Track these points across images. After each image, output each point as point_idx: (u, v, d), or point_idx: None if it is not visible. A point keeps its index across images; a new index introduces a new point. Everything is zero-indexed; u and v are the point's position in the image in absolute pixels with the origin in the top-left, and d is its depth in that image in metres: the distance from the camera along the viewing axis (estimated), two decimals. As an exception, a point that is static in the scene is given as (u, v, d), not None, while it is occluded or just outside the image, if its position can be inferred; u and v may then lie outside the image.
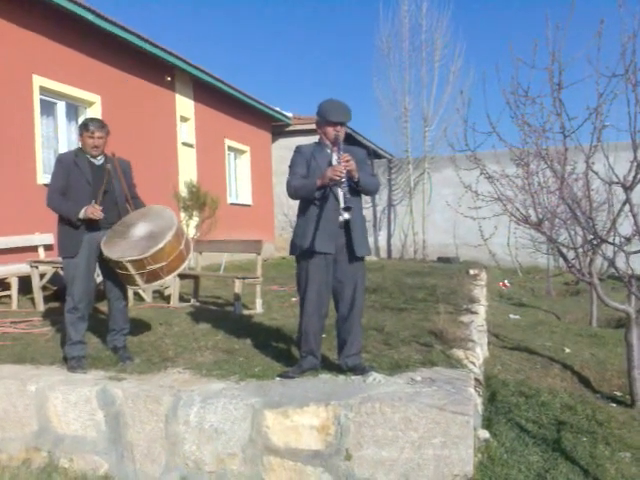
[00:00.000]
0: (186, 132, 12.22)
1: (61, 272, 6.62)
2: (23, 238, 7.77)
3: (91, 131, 4.20)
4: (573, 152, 4.70)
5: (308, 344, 3.81)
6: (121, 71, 10.03)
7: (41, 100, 8.43)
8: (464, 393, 3.35)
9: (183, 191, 11.16)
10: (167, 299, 7.14)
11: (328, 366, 3.94)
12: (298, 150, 3.89)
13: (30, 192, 7.85)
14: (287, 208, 15.21)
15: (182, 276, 6.87)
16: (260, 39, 69.39)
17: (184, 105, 12.10)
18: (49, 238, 7.96)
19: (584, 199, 4.97)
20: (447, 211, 12.54)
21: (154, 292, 7.42)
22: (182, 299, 7.08)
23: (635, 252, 4.17)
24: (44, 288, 6.87)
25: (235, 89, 13.33)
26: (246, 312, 6.29)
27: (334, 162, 3.63)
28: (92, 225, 4.15)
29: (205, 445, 3.33)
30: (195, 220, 10.94)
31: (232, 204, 13.93)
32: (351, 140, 14.51)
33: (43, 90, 8.44)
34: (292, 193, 3.80)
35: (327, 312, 3.89)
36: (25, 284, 6.85)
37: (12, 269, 6.85)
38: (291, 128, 16.11)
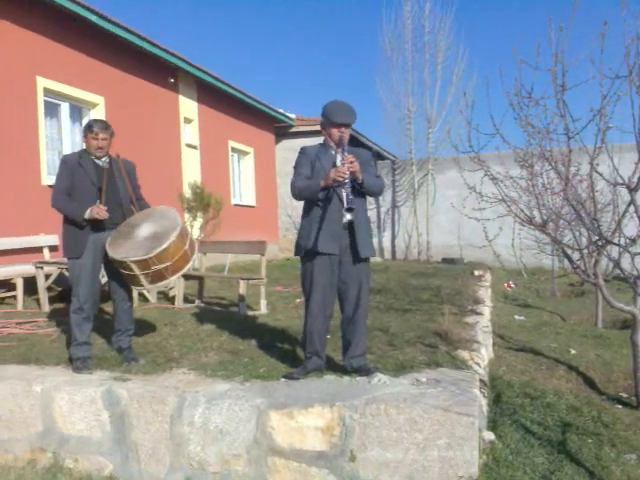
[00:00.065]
0: (190, 133, 12.24)
1: (66, 273, 6.64)
2: (28, 239, 7.79)
3: (95, 132, 4.21)
4: (577, 153, 4.69)
5: (313, 345, 3.81)
6: (124, 72, 10.05)
7: (45, 101, 8.45)
8: (469, 394, 3.34)
9: (187, 192, 11.18)
10: (172, 300, 7.16)
11: (333, 367, 3.94)
12: (303, 151, 3.90)
13: (35, 193, 7.88)
14: (291, 209, 15.22)
15: (186, 277, 6.88)
16: (261, 39, 69.56)
17: (187, 106, 12.12)
18: (54, 239, 7.98)
19: (588, 200, 4.95)
20: (451, 212, 12.52)
21: (159, 293, 7.43)
22: (187, 300, 7.09)
23: (640, 253, 4.16)
24: (49, 289, 6.89)
25: (238, 90, 13.36)
26: (250, 313, 6.29)
27: (338, 163, 3.64)
28: (97, 226, 4.16)
29: (210, 446, 3.33)
30: (199, 221, 10.96)
31: (236, 205, 13.95)
32: (355, 142, 14.52)
33: (47, 91, 8.47)
34: (296, 194, 3.81)
35: (332, 313, 3.89)
36: (30, 285, 6.87)
37: (17, 270, 6.88)
38: (294, 129, 16.13)
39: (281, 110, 15.63)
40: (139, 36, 9.80)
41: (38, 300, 6.77)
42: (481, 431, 3.30)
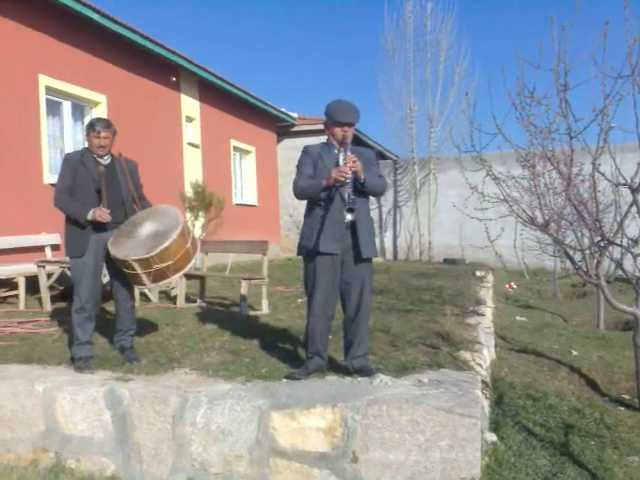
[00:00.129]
0: (192, 132, 12.25)
1: (68, 272, 6.64)
2: (30, 238, 7.80)
3: (97, 131, 4.21)
4: (579, 153, 4.68)
5: (314, 345, 3.81)
6: (126, 71, 10.07)
7: (47, 100, 8.46)
8: (471, 395, 3.34)
9: (189, 191, 11.18)
10: (173, 299, 7.15)
11: (334, 367, 3.93)
12: (306, 150, 3.89)
13: (36, 192, 7.88)
14: (292, 209, 15.22)
15: (188, 276, 6.88)
16: (262, 39, 69.54)
17: (189, 105, 12.12)
18: (56, 238, 7.99)
19: (591, 201, 4.94)
20: (453, 212, 12.53)
21: (160, 293, 7.43)
22: (188, 300, 7.09)
23: (643, 254, 4.15)
24: (51, 288, 6.89)
25: (240, 89, 13.36)
26: (252, 313, 6.29)
27: (341, 163, 3.63)
28: (99, 226, 4.16)
29: (212, 446, 3.33)
30: (201, 220, 10.95)
31: (238, 205, 13.96)
32: (356, 141, 14.50)
33: (49, 90, 8.47)
34: (298, 193, 3.80)
35: (334, 313, 3.89)
36: (32, 284, 6.87)
37: (19, 269, 6.88)
38: (296, 129, 16.12)
39: (283, 109, 15.63)
40: (141, 35, 9.81)
41: (40, 299, 6.77)
42: (483, 432, 3.29)
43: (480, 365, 4.14)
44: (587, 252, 5.06)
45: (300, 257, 3.95)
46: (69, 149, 8.71)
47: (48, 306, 6.58)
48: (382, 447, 3.12)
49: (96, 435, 3.56)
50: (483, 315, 5.97)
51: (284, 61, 66.55)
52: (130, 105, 10.04)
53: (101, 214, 4.08)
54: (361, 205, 3.74)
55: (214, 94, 12.84)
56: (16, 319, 5.75)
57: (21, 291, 6.69)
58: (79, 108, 9.39)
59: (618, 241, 4.43)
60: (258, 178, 15.22)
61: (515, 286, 10.50)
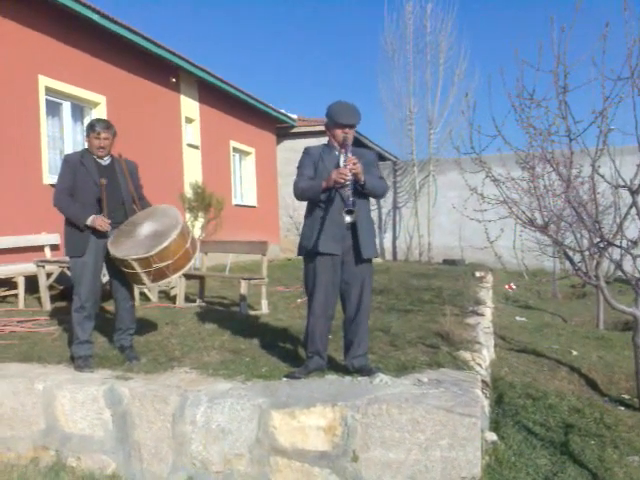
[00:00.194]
0: (191, 133, 12.26)
1: (67, 272, 6.65)
2: (29, 238, 7.80)
3: (97, 132, 4.21)
4: (579, 155, 4.68)
5: (314, 345, 3.81)
6: (126, 72, 10.07)
7: (46, 100, 8.46)
8: (471, 395, 3.34)
9: (188, 192, 11.18)
10: (173, 299, 7.16)
11: (334, 367, 3.94)
12: (306, 151, 3.89)
13: (36, 192, 7.88)
14: (292, 210, 15.23)
15: (188, 276, 6.89)
16: (261, 40, 69.64)
17: (189, 106, 12.13)
18: (55, 238, 7.99)
19: (590, 202, 4.95)
20: (452, 213, 12.52)
21: (160, 292, 7.44)
22: (188, 299, 7.10)
23: (642, 255, 4.16)
24: (50, 287, 6.89)
25: (240, 90, 13.37)
26: (252, 313, 6.29)
27: (341, 164, 3.63)
28: (98, 232, 4.16)
29: (212, 445, 3.33)
30: (200, 221, 10.95)
31: (237, 205, 13.96)
32: (356, 143, 14.51)
33: (48, 90, 8.47)
34: (299, 194, 3.81)
35: (334, 313, 3.89)
36: (32, 283, 6.88)
37: (19, 268, 6.88)
38: (296, 130, 16.14)
39: (282, 110, 15.64)
40: (141, 35, 9.82)
41: (39, 299, 6.77)
42: (483, 432, 3.29)
43: (480, 365, 4.14)
44: (587, 253, 5.07)
45: (300, 257, 3.96)
46: (69, 150, 8.71)
47: (47, 305, 6.58)
48: (382, 446, 3.12)
49: (96, 433, 3.56)
50: (483, 315, 5.98)
51: (284, 62, 66.73)
52: (130, 106, 10.05)
53: (101, 223, 4.10)
54: (361, 206, 3.74)
55: (214, 95, 12.85)
56: (16, 318, 5.75)
57: (20, 290, 6.69)
58: (79, 109, 9.40)
59: (617, 242, 4.44)
60: (258, 179, 15.23)
61: (515, 287, 10.51)
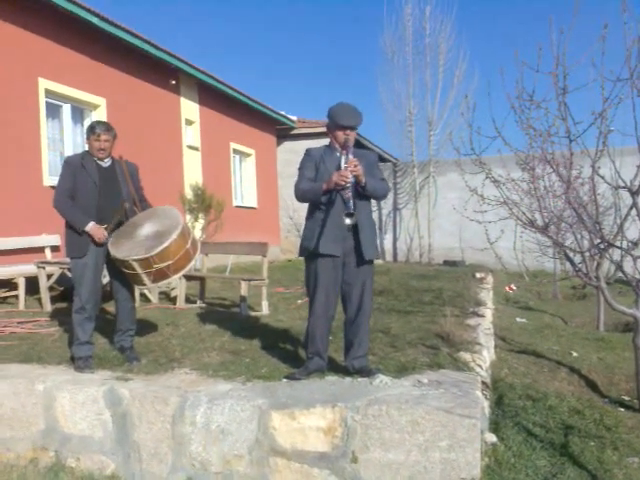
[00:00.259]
0: (191, 135, 12.26)
1: (68, 273, 6.65)
2: (30, 239, 7.80)
3: (97, 134, 4.22)
4: (579, 156, 4.69)
5: (315, 345, 3.81)
6: (126, 74, 10.08)
7: (47, 103, 8.47)
8: (471, 396, 3.34)
9: (189, 194, 11.18)
10: (173, 300, 7.16)
11: (334, 368, 3.94)
12: (308, 153, 3.89)
13: (36, 194, 7.89)
14: (292, 211, 15.25)
15: (188, 277, 6.89)
16: (260, 41, 69.66)
17: (189, 108, 12.14)
18: (56, 239, 8.00)
19: (590, 203, 4.95)
20: (453, 215, 12.53)
21: (160, 293, 7.44)
22: (188, 300, 7.10)
23: (642, 256, 4.16)
24: (51, 288, 6.90)
25: (240, 92, 13.38)
26: (252, 314, 6.29)
27: (342, 166, 3.62)
28: (94, 241, 4.16)
29: (211, 446, 3.33)
30: (201, 222, 10.96)
31: (237, 207, 13.97)
32: (356, 144, 14.53)
33: (48, 93, 8.48)
34: (299, 196, 3.81)
35: (335, 314, 3.89)
36: (32, 285, 6.88)
37: (19, 270, 6.89)
38: (296, 131, 16.16)
39: (282, 112, 15.65)
40: (141, 38, 9.83)
41: (40, 300, 6.77)
42: (483, 433, 3.29)
43: (480, 366, 4.14)
44: (587, 254, 5.07)
45: (301, 258, 3.96)
46: (69, 152, 8.72)
47: (48, 306, 6.59)
48: (382, 447, 3.12)
49: (96, 434, 3.56)
50: (483, 316, 5.98)
51: (283, 63, 66.76)
52: (130, 108, 10.05)
53: (100, 236, 4.11)
54: (363, 208, 3.74)
55: (214, 97, 12.86)
56: (16, 319, 5.75)
57: (21, 292, 6.69)
58: (79, 111, 9.40)
59: (618, 243, 4.44)
60: (258, 180, 15.24)
61: (515, 288, 10.51)
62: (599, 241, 4.55)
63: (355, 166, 3.54)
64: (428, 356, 4.26)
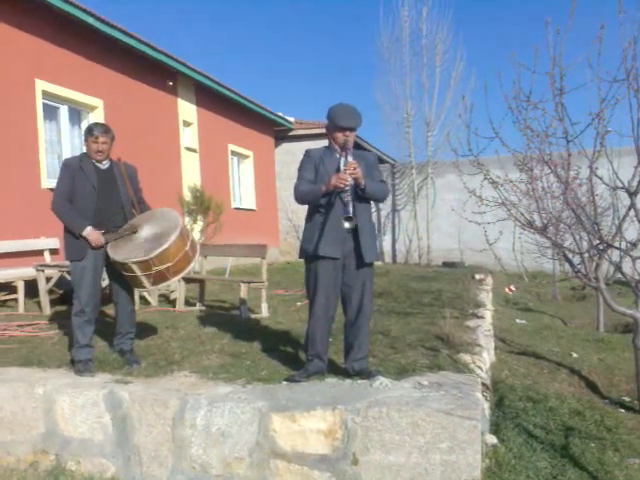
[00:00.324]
0: (189, 137, 12.26)
1: (67, 276, 6.64)
2: (29, 242, 7.79)
3: (95, 136, 4.21)
4: (576, 157, 4.69)
5: (315, 347, 3.81)
6: (124, 75, 10.07)
7: (44, 104, 8.45)
8: (471, 398, 3.34)
9: (187, 196, 11.19)
10: (173, 303, 7.15)
11: (334, 370, 3.94)
12: (307, 154, 3.88)
13: (35, 196, 7.88)
14: (291, 213, 15.26)
15: (188, 280, 6.88)
16: (259, 42, 69.70)
17: (187, 110, 12.14)
18: (54, 242, 7.99)
19: (589, 204, 4.96)
20: (451, 216, 12.54)
21: (160, 296, 7.43)
22: (188, 303, 7.09)
23: (642, 257, 4.17)
24: (50, 292, 6.88)
25: (237, 94, 13.38)
26: (252, 316, 6.29)
27: (342, 168, 3.61)
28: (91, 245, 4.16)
29: (212, 449, 3.33)
30: (199, 224, 10.95)
31: (236, 209, 13.97)
32: (354, 145, 14.55)
33: (46, 94, 8.47)
34: (299, 198, 3.81)
35: (335, 315, 3.89)
36: (31, 288, 6.87)
37: (18, 273, 6.87)
38: (294, 133, 16.18)
39: (280, 113, 15.66)
40: (138, 39, 9.82)
41: (39, 303, 6.76)
42: (484, 435, 3.29)
43: (480, 367, 4.14)
44: (586, 255, 5.07)
45: (300, 260, 3.96)
46: (66, 154, 8.71)
47: (47, 309, 6.57)
48: (382, 449, 3.12)
49: (96, 437, 3.56)
50: (483, 318, 5.98)
51: (281, 65, 66.80)
52: (127, 109, 10.05)
53: (97, 241, 4.11)
54: (362, 210, 3.74)
55: (211, 98, 12.86)
56: (15, 322, 5.74)
57: (20, 295, 6.68)
58: (76, 113, 9.39)
59: (617, 244, 4.44)
60: (256, 182, 15.24)
61: (514, 289, 10.51)
62: (598, 242, 4.55)
63: (354, 169, 3.54)
64: (428, 358, 4.26)
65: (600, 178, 4.33)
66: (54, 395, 3.66)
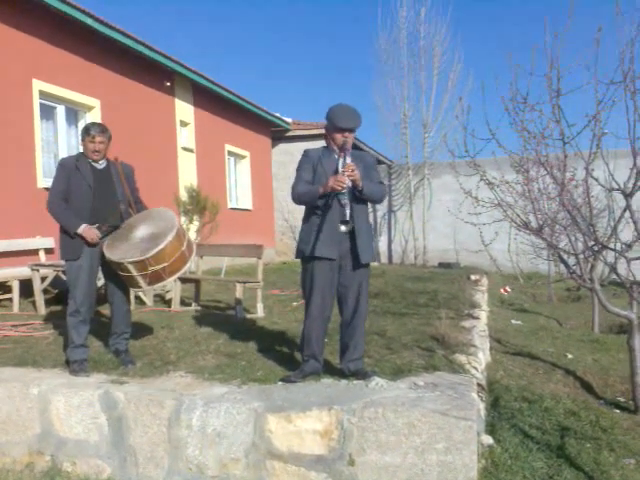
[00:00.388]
0: (186, 137, 12.24)
1: (62, 275, 6.62)
2: (24, 241, 7.77)
3: (92, 136, 4.20)
4: (573, 159, 4.71)
5: (310, 348, 3.81)
6: (121, 75, 10.05)
7: (41, 104, 8.43)
8: (467, 398, 3.34)
9: (183, 195, 11.17)
10: (168, 303, 7.14)
11: (330, 370, 3.93)
12: (306, 154, 3.87)
13: (30, 196, 7.85)
14: (287, 213, 15.25)
15: (183, 280, 6.87)
16: (258, 43, 69.66)
17: (184, 110, 12.12)
18: (50, 241, 7.96)
19: (584, 205, 4.98)
20: (447, 217, 12.58)
21: (155, 296, 7.42)
22: (183, 303, 7.08)
23: (636, 258, 4.19)
24: (45, 291, 6.86)
25: (235, 94, 13.37)
26: (247, 316, 6.28)
27: (340, 170, 3.60)
28: (88, 242, 4.14)
29: (208, 449, 3.32)
30: (195, 224, 10.94)
31: (232, 209, 13.95)
32: (352, 146, 14.55)
33: (43, 94, 8.45)
34: (296, 199, 3.80)
35: (331, 315, 3.88)
36: (26, 287, 6.84)
37: (13, 272, 6.85)
38: (291, 133, 16.17)
39: (277, 114, 15.65)
40: (136, 39, 9.80)
41: (34, 303, 6.74)
42: (479, 435, 3.30)
43: (476, 368, 4.15)
44: (581, 256, 5.09)
45: (297, 260, 3.96)
46: (63, 153, 8.69)
47: (42, 309, 6.56)
48: (378, 450, 3.12)
49: (92, 438, 3.54)
50: (478, 318, 5.99)
51: (279, 65, 66.81)
52: (124, 109, 10.03)
53: (92, 236, 4.09)
54: (360, 211, 3.74)
55: (208, 99, 12.85)
56: (10, 322, 5.72)
57: (15, 294, 6.66)
58: (73, 112, 9.37)
59: (612, 245, 4.46)
60: (253, 182, 15.23)
61: (510, 290, 10.54)
62: (593, 243, 4.57)
63: (352, 170, 3.53)
64: (424, 358, 4.26)
65: (596, 180, 4.36)
66: (49, 395, 3.64)
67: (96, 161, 4.26)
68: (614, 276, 4.67)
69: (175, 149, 11.78)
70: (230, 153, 14.24)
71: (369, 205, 3.99)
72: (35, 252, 7.88)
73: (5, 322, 5.73)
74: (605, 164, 4.20)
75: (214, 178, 13.03)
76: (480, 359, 4.46)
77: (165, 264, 4.10)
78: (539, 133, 4.69)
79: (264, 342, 4.84)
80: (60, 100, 8.90)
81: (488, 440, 3.43)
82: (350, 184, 3.55)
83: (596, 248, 4.66)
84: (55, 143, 8.97)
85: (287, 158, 15.58)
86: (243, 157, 14.95)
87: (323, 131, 3.95)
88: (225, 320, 5.98)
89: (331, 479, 3.15)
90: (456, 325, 5.45)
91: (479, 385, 3.83)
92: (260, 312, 6.39)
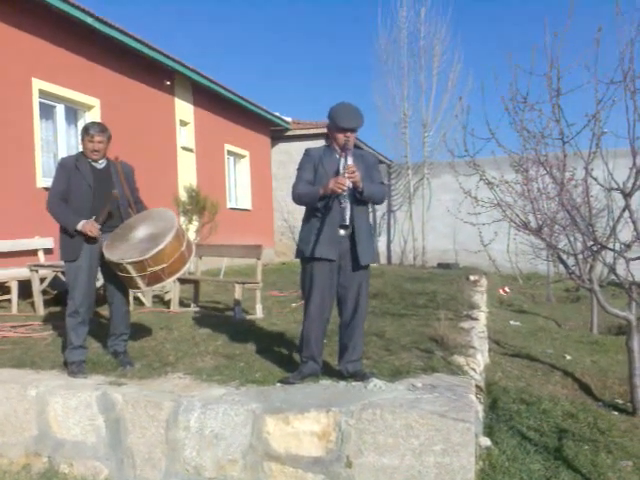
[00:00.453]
0: (185, 136, 12.24)
1: (61, 276, 6.62)
2: (23, 242, 7.76)
3: (91, 135, 4.19)
4: (572, 158, 4.70)
5: (309, 349, 3.80)
6: (120, 75, 10.04)
7: (40, 103, 8.43)
8: (465, 400, 3.34)
9: (183, 195, 11.17)
10: (167, 304, 7.13)
11: (328, 372, 3.93)
12: (307, 153, 3.84)
13: (30, 196, 7.85)
14: (287, 213, 15.23)
15: (182, 281, 6.86)
16: (257, 43, 69.62)
17: (183, 109, 12.11)
18: (49, 242, 7.96)
19: (583, 205, 4.97)
20: (447, 217, 12.56)
21: (154, 297, 7.41)
22: (182, 304, 7.07)
23: (635, 259, 4.18)
24: (44, 292, 6.85)
25: (234, 93, 13.36)
26: (246, 317, 6.28)
27: (341, 170, 3.58)
28: (89, 238, 4.13)
29: (205, 451, 3.32)
30: (195, 224, 10.94)
31: (232, 209, 13.94)
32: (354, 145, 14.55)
33: (42, 93, 8.44)
34: (296, 199, 3.79)
35: (330, 316, 3.88)
36: (25, 288, 6.84)
37: (12, 273, 6.84)
38: (291, 133, 16.15)
39: (277, 113, 15.63)
40: (135, 39, 9.80)
41: (33, 303, 6.73)
42: (477, 437, 3.29)
43: (474, 369, 4.14)
44: (580, 257, 5.08)
45: (296, 261, 3.95)
46: (62, 153, 8.68)
47: (41, 310, 6.55)
48: (376, 451, 3.11)
49: (89, 440, 3.54)
50: (477, 319, 5.98)
51: (279, 65, 66.77)
52: (124, 109, 10.02)
53: (91, 228, 4.07)
54: (360, 212, 3.72)
55: (208, 98, 12.84)
56: (9, 323, 5.71)
57: (14, 295, 6.65)
58: (72, 112, 9.36)
59: (611, 246, 4.45)
60: (252, 182, 15.22)
61: (509, 290, 10.53)
62: (592, 243, 4.56)
63: (353, 172, 3.51)
64: (422, 360, 4.25)
65: (595, 179, 4.35)
66: (47, 397, 3.64)
67: (95, 161, 4.26)
68: (613, 276, 4.67)
69: (175, 149, 11.77)
70: (230, 153, 14.23)
71: (369, 205, 3.98)
72: (34, 252, 7.88)
73: (4, 323, 5.73)
74: (604, 164, 4.19)
75: (213, 178, 13.03)
76: (479, 360, 4.45)
77: (164, 265, 4.09)
78: (539, 133, 4.68)
79: (263, 343, 4.84)
80: (60, 99, 8.89)
81: (486, 442, 3.43)
82: (350, 185, 3.54)
83: (595, 248, 4.65)
84: (55, 142, 8.96)
85: (287, 158, 15.57)
86: (243, 157, 14.94)
87: (323, 130, 3.95)
88: (224, 321, 5.97)
89: (329, 481, 3.14)
90: (455, 326, 5.45)
91: (477, 387, 3.82)
92: (259, 313, 6.39)
